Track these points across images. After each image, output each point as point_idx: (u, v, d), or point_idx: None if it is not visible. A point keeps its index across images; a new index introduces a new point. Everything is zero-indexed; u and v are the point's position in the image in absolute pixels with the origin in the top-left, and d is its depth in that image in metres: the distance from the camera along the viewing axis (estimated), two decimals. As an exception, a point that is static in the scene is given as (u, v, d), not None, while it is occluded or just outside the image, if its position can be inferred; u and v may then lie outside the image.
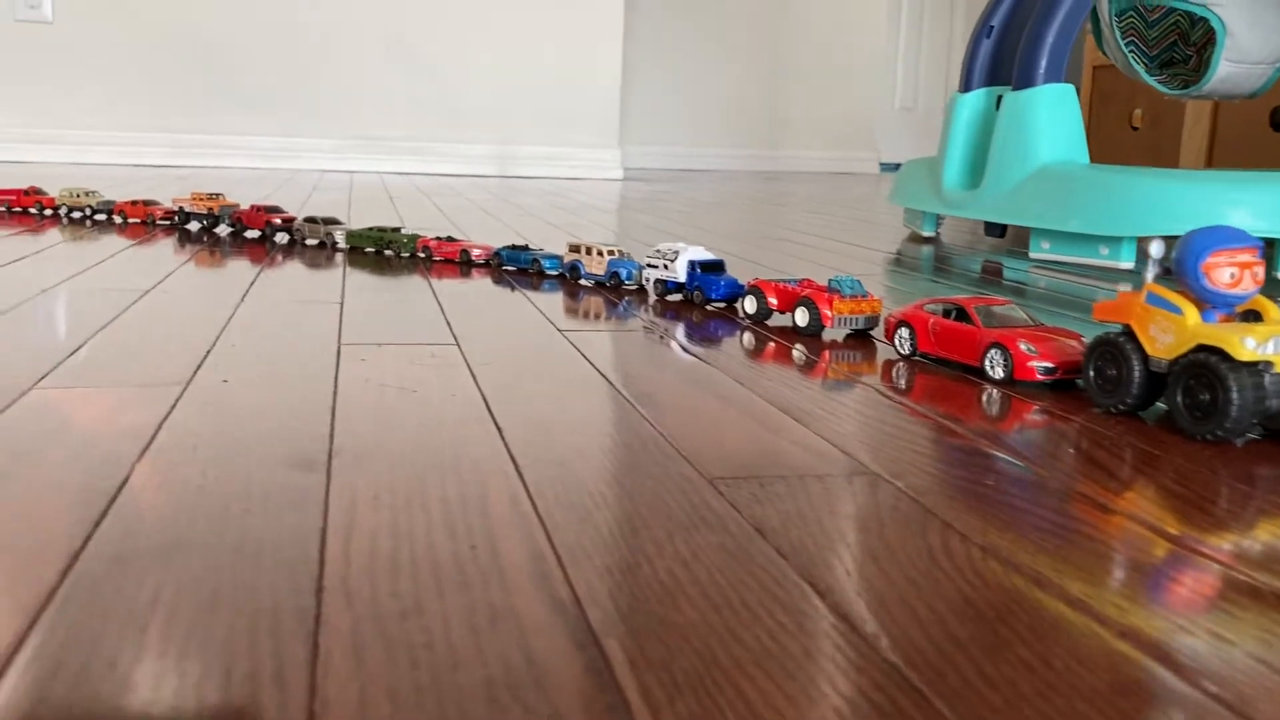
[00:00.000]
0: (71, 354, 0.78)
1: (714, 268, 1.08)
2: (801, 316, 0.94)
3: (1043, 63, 1.56)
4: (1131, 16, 1.77)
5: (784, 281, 0.99)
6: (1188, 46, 1.77)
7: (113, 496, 0.49)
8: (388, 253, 1.40)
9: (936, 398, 0.74)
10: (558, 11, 3.63)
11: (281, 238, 1.50)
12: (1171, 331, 0.66)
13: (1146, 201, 1.41)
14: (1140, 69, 1.79)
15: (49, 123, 3.34)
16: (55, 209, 1.75)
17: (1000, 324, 0.81)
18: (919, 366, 0.83)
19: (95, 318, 0.91)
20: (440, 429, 0.62)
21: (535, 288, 1.16)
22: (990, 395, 0.75)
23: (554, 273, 1.24)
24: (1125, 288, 0.71)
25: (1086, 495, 0.54)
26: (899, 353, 0.86)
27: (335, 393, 0.69)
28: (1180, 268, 0.66)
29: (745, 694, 0.34)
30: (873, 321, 0.94)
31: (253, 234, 1.56)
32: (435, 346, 0.84)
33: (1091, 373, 0.72)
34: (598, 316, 1.01)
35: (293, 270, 1.24)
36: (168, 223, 1.66)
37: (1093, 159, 1.59)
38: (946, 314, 0.83)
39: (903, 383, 0.78)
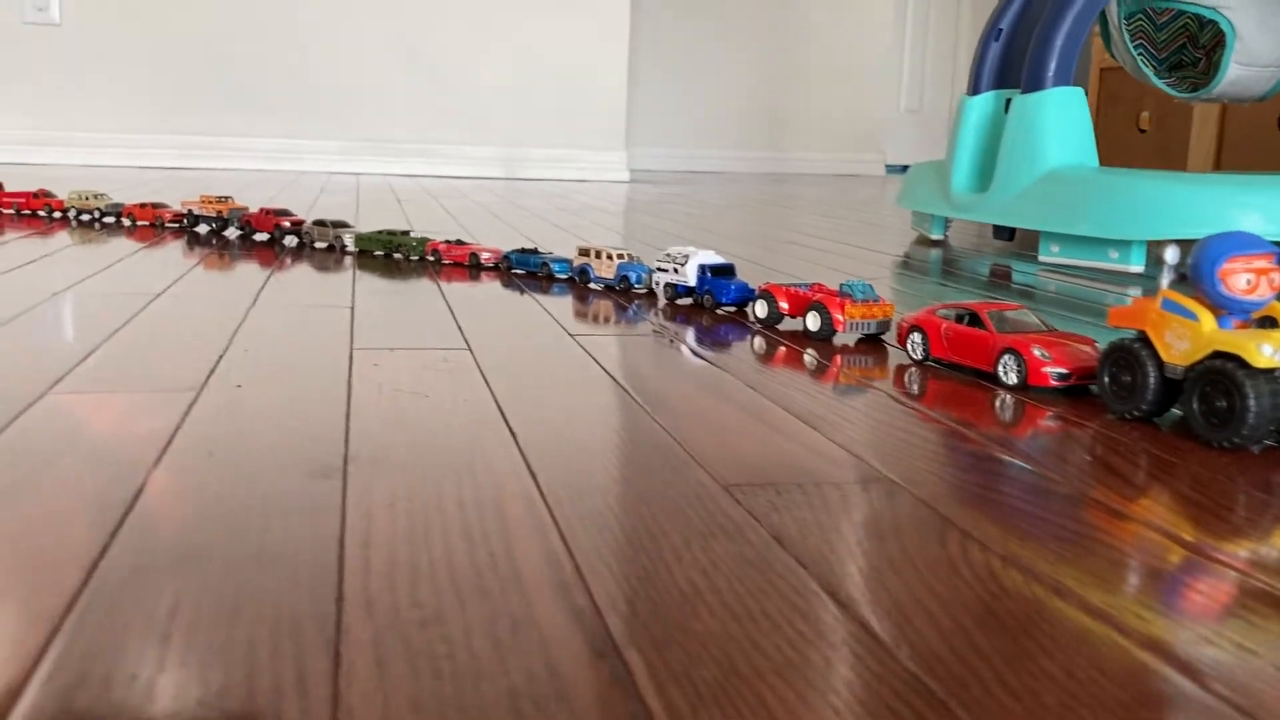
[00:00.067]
0: (85, 359, 0.78)
1: (724, 271, 1.08)
2: (813, 321, 0.94)
3: (1052, 66, 1.56)
4: (1140, 19, 1.77)
5: (795, 286, 0.99)
6: (1197, 49, 1.77)
7: (130, 504, 0.49)
8: (396, 256, 1.40)
9: (950, 403, 0.74)
10: (564, 14, 3.63)
11: (290, 241, 1.50)
12: (1187, 338, 0.66)
13: (1156, 205, 1.40)
14: (1149, 72, 1.78)
15: (57, 125, 3.34)
16: (64, 212, 1.75)
17: (1013, 329, 0.80)
18: (932, 372, 0.83)
19: (107, 322, 0.91)
20: (454, 435, 0.62)
21: (545, 291, 1.16)
22: (1004, 401, 0.75)
23: (563, 276, 1.24)
24: (1135, 292, 0.71)
25: (1104, 503, 0.54)
26: (911, 358, 0.86)
27: (349, 398, 0.69)
28: (1196, 274, 0.66)
29: (768, 704, 0.34)
30: (884, 326, 0.94)
31: (261, 237, 1.56)
32: (447, 351, 0.84)
33: (1106, 379, 0.71)
34: (608, 320, 1.01)
35: (302, 274, 1.24)
36: (176, 226, 1.66)
37: (1100, 161, 1.59)
38: (959, 319, 0.83)
39: (916, 388, 0.78)
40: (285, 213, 1.54)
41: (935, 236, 1.89)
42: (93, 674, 0.34)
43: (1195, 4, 1.66)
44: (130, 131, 3.39)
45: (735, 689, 0.35)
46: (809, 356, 0.88)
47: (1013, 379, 0.77)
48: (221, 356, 0.80)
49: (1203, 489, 0.57)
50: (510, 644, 0.37)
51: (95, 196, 1.73)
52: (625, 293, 1.16)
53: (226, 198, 1.65)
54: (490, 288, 1.18)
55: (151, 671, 0.34)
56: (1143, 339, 0.69)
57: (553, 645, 0.37)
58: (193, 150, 3.41)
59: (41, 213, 1.77)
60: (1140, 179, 1.46)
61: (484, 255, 1.31)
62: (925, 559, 0.46)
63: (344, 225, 1.46)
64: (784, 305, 0.98)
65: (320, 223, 1.47)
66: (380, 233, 1.41)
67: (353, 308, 1.02)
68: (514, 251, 1.29)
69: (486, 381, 0.75)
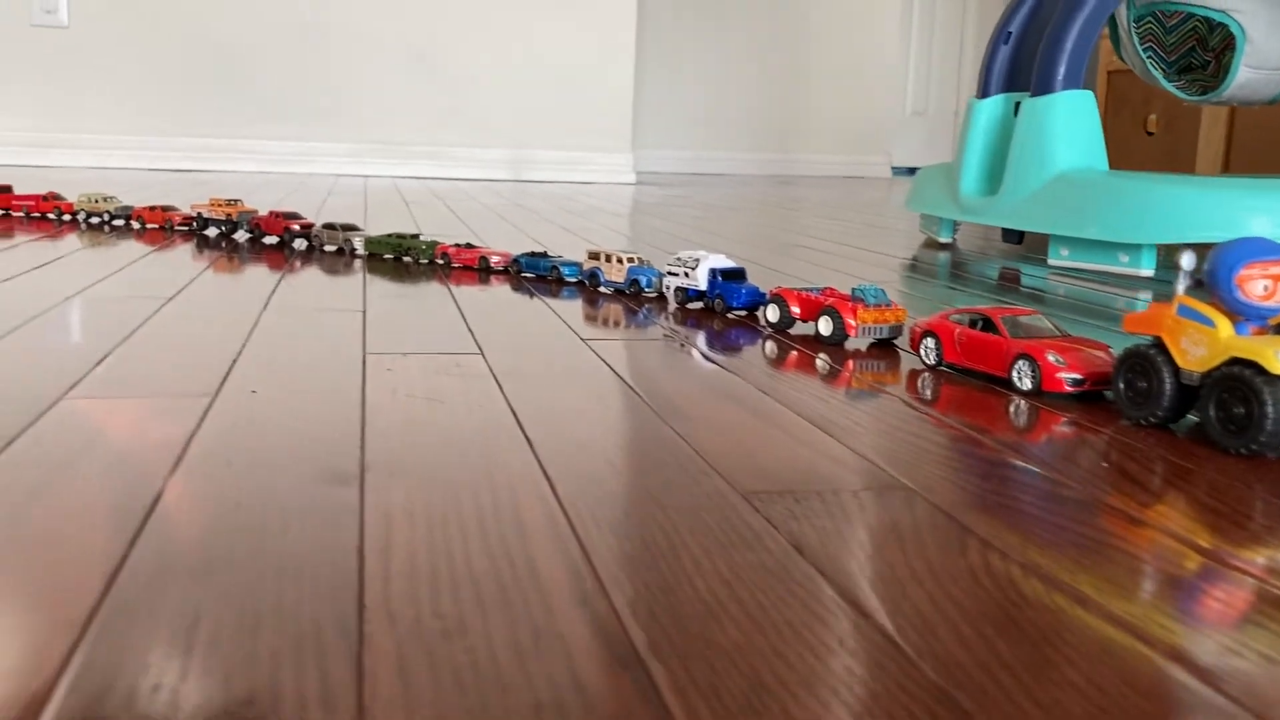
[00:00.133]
0: (98, 363, 0.78)
1: (735, 275, 1.08)
2: (825, 325, 0.94)
3: (1061, 69, 1.56)
4: (1150, 22, 1.77)
5: (807, 290, 0.99)
6: (1206, 52, 1.76)
7: (148, 512, 0.49)
8: (406, 259, 1.40)
9: (964, 409, 0.74)
10: (570, 17, 3.63)
11: (300, 244, 1.51)
12: (1204, 344, 0.66)
13: (1166, 208, 1.40)
14: (1158, 75, 1.78)
15: (65, 127, 3.35)
16: (74, 214, 1.76)
17: (1027, 334, 0.80)
18: (945, 377, 0.83)
19: (119, 326, 0.91)
20: (470, 441, 0.62)
21: (554, 295, 1.16)
22: (1018, 406, 0.75)
23: (573, 280, 1.24)
24: (1146, 296, 0.71)
25: (1121, 510, 0.54)
26: (924, 363, 0.86)
27: (364, 404, 0.69)
28: (1213, 279, 0.65)
29: (794, 716, 0.34)
30: (897, 330, 0.94)
31: (270, 240, 1.57)
32: (460, 356, 0.84)
33: (1121, 385, 0.71)
34: (618, 324, 1.01)
35: (312, 277, 1.24)
36: (185, 229, 1.67)
37: (1107, 164, 1.58)
38: (972, 324, 0.83)
39: (929, 393, 0.78)
40: (294, 215, 1.54)
41: (944, 239, 1.89)
42: (117, 684, 0.34)
43: (1205, 7, 1.66)
44: (138, 134, 3.39)
45: (760, 700, 0.34)
46: (821, 361, 0.87)
47: (1027, 385, 0.77)
48: (235, 361, 0.80)
49: (1220, 496, 0.57)
50: (533, 655, 0.37)
51: (104, 199, 1.73)
52: (635, 297, 1.16)
53: (235, 200, 1.65)
54: (500, 291, 1.18)
55: (175, 681, 0.34)
56: (1158, 345, 0.69)
57: (576, 656, 0.37)
58: (201, 153, 3.42)
59: (51, 215, 1.77)
60: (1150, 182, 1.46)
61: (494, 259, 1.31)
62: (945, 568, 0.46)
63: (353, 228, 1.46)
64: (796, 310, 0.98)
65: (330, 226, 1.47)
66: (390, 236, 1.41)
67: (364, 311, 1.02)
68: (524, 255, 1.29)
69: (500, 386, 0.75)
